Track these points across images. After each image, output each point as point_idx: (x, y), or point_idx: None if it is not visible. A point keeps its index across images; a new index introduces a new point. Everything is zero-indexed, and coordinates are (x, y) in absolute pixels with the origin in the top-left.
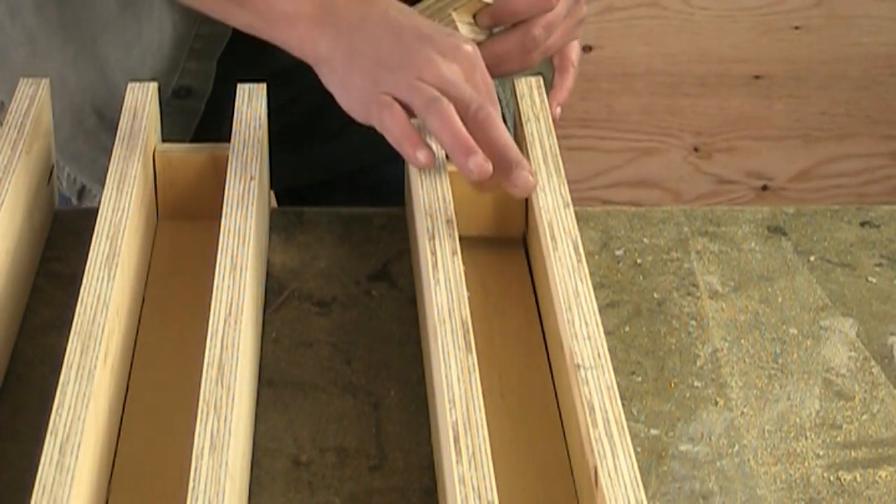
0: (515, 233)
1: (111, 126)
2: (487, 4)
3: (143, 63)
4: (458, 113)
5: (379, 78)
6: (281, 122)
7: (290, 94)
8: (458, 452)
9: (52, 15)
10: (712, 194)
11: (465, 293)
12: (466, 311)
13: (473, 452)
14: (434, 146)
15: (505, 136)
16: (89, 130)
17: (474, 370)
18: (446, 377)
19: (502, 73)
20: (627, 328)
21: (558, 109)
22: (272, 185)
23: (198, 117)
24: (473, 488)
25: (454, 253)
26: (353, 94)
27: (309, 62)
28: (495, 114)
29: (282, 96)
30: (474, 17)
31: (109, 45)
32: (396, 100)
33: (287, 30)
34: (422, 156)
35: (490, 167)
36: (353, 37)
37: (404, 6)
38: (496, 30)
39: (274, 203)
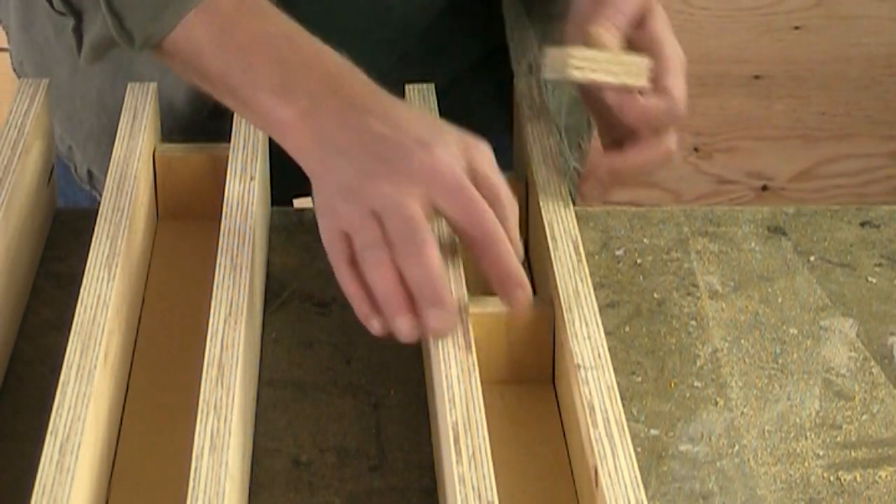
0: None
1: None
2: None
3: (178, 88)
4: (395, 245)
5: (337, 209)
6: None
7: None
8: (458, 452)
9: None
10: (712, 194)
11: (465, 293)
12: (466, 312)
13: (473, 452)
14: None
15: (428, 271)
16: None
17: (474, 370)
18: (446, 377)
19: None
20: (627, 328)
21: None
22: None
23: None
24: (473, 488)
25: (453, 253)
26: (321, 230)
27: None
28: (429, 243)
29: None
30: None
31: (145, 68)
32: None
33: (282, 138)
34: (375, 324)
35: (416, 332)
36: (327, 157)
37: (403, 106)
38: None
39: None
